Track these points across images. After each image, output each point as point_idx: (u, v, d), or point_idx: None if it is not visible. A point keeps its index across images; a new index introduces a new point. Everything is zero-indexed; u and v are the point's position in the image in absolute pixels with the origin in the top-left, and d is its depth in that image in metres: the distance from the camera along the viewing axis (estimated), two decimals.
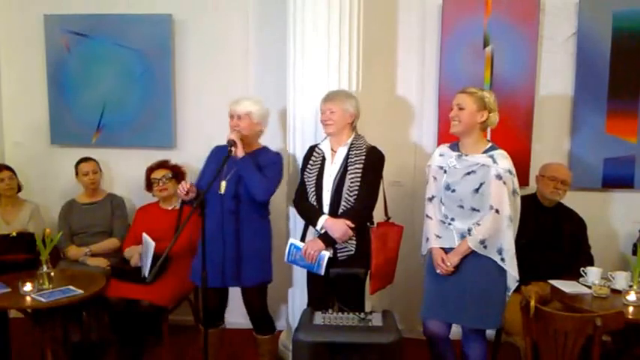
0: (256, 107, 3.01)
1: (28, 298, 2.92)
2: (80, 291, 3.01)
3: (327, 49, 3.14)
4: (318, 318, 2.45)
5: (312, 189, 2.88)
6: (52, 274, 3.13)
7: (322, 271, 2.78)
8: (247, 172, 2.90)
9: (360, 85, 3.25)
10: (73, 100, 4.01)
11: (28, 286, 2.98)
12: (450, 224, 2.71)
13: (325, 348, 2.29)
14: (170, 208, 3.66)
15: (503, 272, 2.64)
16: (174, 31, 3.90)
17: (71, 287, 3.04)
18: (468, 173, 2.65)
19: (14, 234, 3.56)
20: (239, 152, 2.90)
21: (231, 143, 2.90)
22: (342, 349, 2.29)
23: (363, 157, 2.83)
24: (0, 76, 4.13)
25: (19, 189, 3.80)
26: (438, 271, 2.69)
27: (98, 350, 3.50)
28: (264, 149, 3.11)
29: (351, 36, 3.18)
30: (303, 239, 2.93)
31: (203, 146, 3.82)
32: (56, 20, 3.94)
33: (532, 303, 2.42)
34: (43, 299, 2.90)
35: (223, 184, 2.93)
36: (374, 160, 2.86)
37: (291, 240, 2.93)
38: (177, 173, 3.72)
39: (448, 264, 2.65)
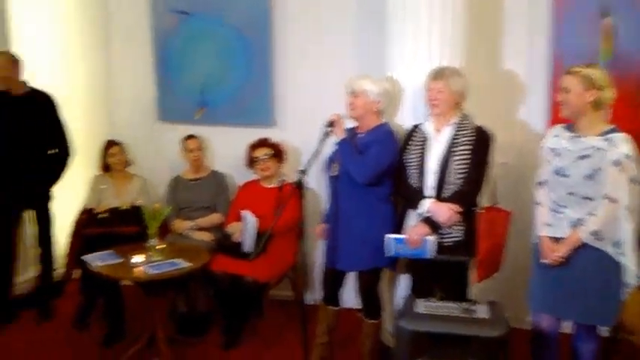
0: (374, 86, 2.91)
1: (139, 270, 3.08)
2: (188, 264, 3.14)
3: (428, 17, 2.96)
4: (420, 306, 2.39)
5: (415, 170, 2.79)
6: (161, 246, 3.30)
7: (430, 254, 2.68)
8: (343, 155, 2.85)
9: (463, 58, 3.06)
10: (178, 78, 4.14)
11: (138, 258, 3.16)
12: (561, 212, 2.52)
13: (427, 337, 2.24)
14: (271, 186, 3.71)
15: (619, 266, 2.43)
16: (272, 8, 3.88)
17: (179, 260, 3.18)
18: (582, 157, 2.43)
19: (125, 207, 3.76)
20: (338, 133, 2.86)
21: (329, 124, 2.86)
22: (445, 340, 2.23)
23: (471, 138, 2.70)
24: (111, 55, 4.32)
25: (129, 164, 3.99)
26: (545, 261, 2.53)
27: (203, 321, 3.65)
28: (380, 126, 2.96)
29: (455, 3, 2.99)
30: (400, 226, 2.85)
31: (302, 124, 3.87)
32: None
33: None
34: (152, 271, 3.06)
35: (335, 165, 2.90)
36: (482, 141, 2.72)
37: (389, 235, 2.78)
38: (278, 152, 3.75)
39: (557, 255, 2.48)
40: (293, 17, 3.88)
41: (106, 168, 3.92)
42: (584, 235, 2.41)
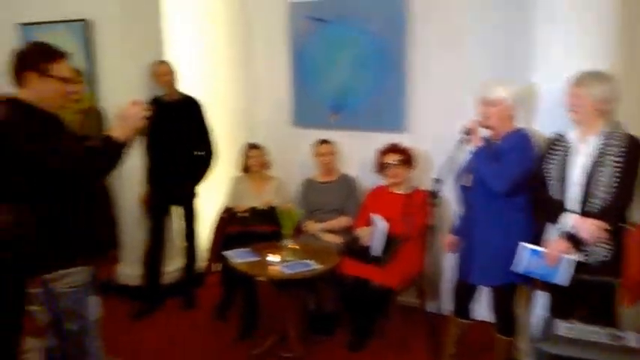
0: (509, 93, 2.81)
1: (275, 268, 3.25)
2: (319, 265, 3.26)
3: (580, 18, 2.78)
4: (562, 328, 2.25)
5: (556, 182, 2.63)
6: (294, 246, 3.45)
7: (565, 280, 2.51)
8: (479, 163, 2.77)
9: (618, 59, 2.83)
10: (313, 84, 4.28)
11: (274, 257, 3.32)
12: None
13: None
14: (400, 192, 3.72)
15: None
16: (409, 13, 3.86)
17: (311, 261, 3.30)
18: None
19: (263, 207, 3.97)
20: (475, 141, 2.78)
21: (467, 131, 2.80)
22: None
23: (622, 149, 2.47)
24: (252, 63, 4.57)
25: (267, 166, 4.19)
26: None
27: (331, 321, 3.74)
28: (516, 132, 2.85)
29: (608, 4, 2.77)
30: (536, 242, 2.69)
31: (434, 129, 3.83)
32: (300, 7, 4.22)
33: None
34: (287, 270, 3.20)
35: (468, 175, 2.85)
36: (634, 152, 2.48)
37: (525, 245, 2.64)
38: (408, 158, 3.74)
39: None
40: (430, 22, 3.83)
41: (246, 169, 4.15)
42: None
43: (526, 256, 2.63)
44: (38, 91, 2.21)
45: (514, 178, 2.70)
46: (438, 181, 2.69)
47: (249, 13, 4.55)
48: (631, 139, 2.51)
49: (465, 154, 2.86)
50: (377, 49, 3.98)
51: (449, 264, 3.18)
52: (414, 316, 3.73)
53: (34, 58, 2.22)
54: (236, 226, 3.91)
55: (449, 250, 3.16)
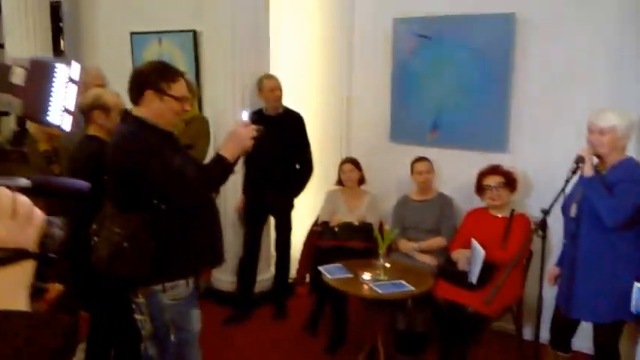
0: (622, 121, 2.65)
1: (366, 287, 3.24)
2: (412, 287, 3.21)
3: None
4: None
5: None
6: (387, 265, 3.42)
7: None
8: (593, 194, 2.62)
9: None
10: (413, 100, 4.22)
11: (367, 275, 3.31)
12: None
13: None
14: (500, 216, 3.58)
15: None
16: (516, 31, 3.74)
17: (404, 282, 3.26)
18: None
19: (357, 223, 3.97)
20: (586, 170, 2.63)
21: (579, 160, 2.66)
22: None
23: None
24: (353, 78, 4.59)
25: (362, 181, 4.18)
26: None
27: (420, 341, 3.66)
28: (625, 161, 2.70)
29: None
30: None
31: (536, 151, 3.69)
32: (405, 23, 4.18)
33: None
34: (379, 290, 3.18)
35: (574, 206, 2.72)
36: None
37: None
38: (510, 180, 3.60)
39: None
40: (537, 41, 3.69)
41: (341, 183, 4.17)
42: None
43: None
44: (155, 110, 2.29)
45: (631, 212, 2.54)
46: (546, 212, 2.58)
47: (353, 27, 4.54)
48: None
49: (569, 184, 2.72)
50: (480, 69, 3.87)
51: (550, 293, 3.03)
52: (508, 342, 3.59)
53: (155, 77, 2.29)
54: (329, 241, 3.94)
55: (551, 282, 3.05)
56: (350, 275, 3.38)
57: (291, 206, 4.18)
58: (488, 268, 3.34)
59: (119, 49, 5.41)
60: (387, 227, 3.61)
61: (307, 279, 4.15)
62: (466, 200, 3.92)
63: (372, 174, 4.30)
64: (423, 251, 3.81)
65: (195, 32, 4.79)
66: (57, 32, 5.64)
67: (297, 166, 4.15)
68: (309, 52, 4.72)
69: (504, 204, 3.58)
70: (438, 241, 3.84)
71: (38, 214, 0.76)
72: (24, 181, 0.81)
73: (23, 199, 0.75)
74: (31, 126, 2.51)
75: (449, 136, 4.09)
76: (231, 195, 4.22)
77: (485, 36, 3.84)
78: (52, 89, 0.92)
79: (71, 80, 0.96)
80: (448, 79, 4.04)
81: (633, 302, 2.48)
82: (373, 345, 3.47)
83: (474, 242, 3.32)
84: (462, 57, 3.94)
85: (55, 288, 1.38)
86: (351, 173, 4.11)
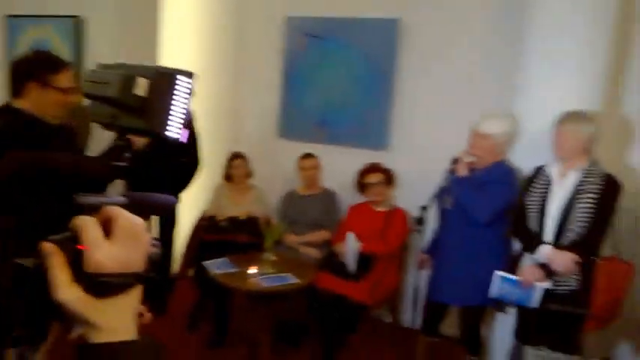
0: (502, 128, 2.90)
1: (252, 281, 3.26)
2: (297, 280, 3.28)
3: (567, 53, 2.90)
4: (531, 355, 2.35)
5: (535, 214, 2.73)
6: (273, 258, 3.47)
7: (535, 303, 2.64)
8: (462, 192, 2.87)
9: (600, 100, 2.95)
10: (301, 98, 4.32)
11: (253, 269, 3.34)
12: None
13: None
14: (380, 210, 3.77)
15: None
16: (401, 34, 3.95)
17: (289, 275, 3.33)
18: None
19: (243, 217, 3.97)
20: (460, 171, 2.87)
21: (456, 160, 2.89)
22: None
23: (598, 185, 2.59)
24: (241, 74, 4.58)
25: (250, 175, 4.20)
26: None
27: (299, 331, 3.75)
28: (498, 164, 2.96)
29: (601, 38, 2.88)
30: (512, 269, 2.79)
31: (415, 148, 3.93)
32: (297, 22, 4.26)
33: None
34: (265, 284, 3.22)
35: (449, 198, 2.94)
36: (610, 190, 2.60)
37: (499, 273, 2.74)
38: (389, 177, 3.81)
39: None
40: (420, 44, 3.93)
41: (228, 178, 4.15)
42: None
43: (500, 283, 2.73)
44: (38, 102, 2.16)
45: (495, 210, 2.82)
46: (424, 208, 2.77)
47: (245, 22, 4.56)
48: (608, 177, 2.62)
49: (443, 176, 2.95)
50: (367, 69, 4.05)
51: (425, 283, 3.26)
52: (385, 330, 3.81)
53: (38, 68, 2.15)
54: (215, 235, 3.91)
55: (420, 267, 3.29)
56: (236, 269, 3.39)
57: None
58: (368, 260, 3.51)
59: None
60: (273, 221, 3.66)
61: (190, 274, 4.08)
62: (351, 195, 4.08)
63: (260, 169, 4.33)
64: (308, 244, 3.91)
65: (78, 18, 4.50)
66: None
67: (185, 161, 4.06)
68: (200, 44, 4.64)
69: (385, 199, 3.78)
70: (322, 235, 3.95)
71: (147, 234, 0.71)
72: (121, 199, 0.75)
73: (138, 220, 0.70)
74: None
75: (335, 134, 4.24)
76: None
77: (373, 38, 4.02)
78: (174, 102, 0.87)
79: (191, 92, 0.90)
80: (336, 79, 4.18)
81: (492, 289, 2.75)
82: (255, 337, 3.50)
83: (348, 234, 3.47)
84: (350, 57, 4.10)
85: (147, 315, 1.24)
86: (240, 168, 4.11)
